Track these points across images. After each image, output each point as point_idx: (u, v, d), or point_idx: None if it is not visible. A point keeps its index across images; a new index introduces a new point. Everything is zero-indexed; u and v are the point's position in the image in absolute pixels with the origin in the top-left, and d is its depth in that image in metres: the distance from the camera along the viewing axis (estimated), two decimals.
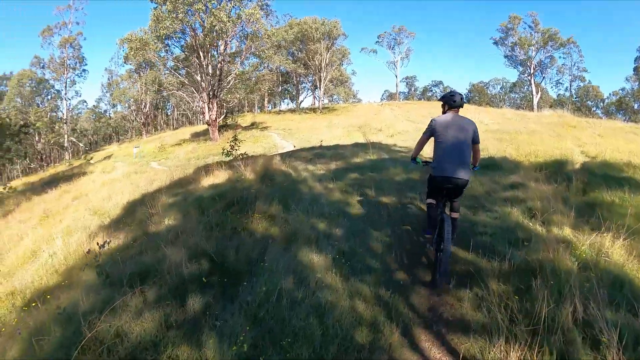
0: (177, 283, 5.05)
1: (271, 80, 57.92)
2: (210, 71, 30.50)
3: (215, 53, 30.94)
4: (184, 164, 23.50)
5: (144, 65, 36.42)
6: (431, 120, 5.32)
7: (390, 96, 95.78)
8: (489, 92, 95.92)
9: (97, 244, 5.51)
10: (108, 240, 5.93)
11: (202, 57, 29.83)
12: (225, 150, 15.12)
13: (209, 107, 30.63)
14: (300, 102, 57.05)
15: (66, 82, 52.51)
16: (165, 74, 34.52)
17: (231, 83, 32.14)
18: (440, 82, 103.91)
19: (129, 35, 29.31)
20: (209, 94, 30.45)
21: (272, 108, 74.31)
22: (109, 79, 64.70)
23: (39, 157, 55.48)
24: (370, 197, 8.52)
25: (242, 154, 14.70)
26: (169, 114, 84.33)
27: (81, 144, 66.73)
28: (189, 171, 15.37)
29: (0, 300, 7.52)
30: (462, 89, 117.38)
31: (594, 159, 12.42)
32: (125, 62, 37.64)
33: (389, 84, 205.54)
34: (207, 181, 11.05)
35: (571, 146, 14.64)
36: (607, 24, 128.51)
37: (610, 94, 77.95)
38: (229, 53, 31.80)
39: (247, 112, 68.64)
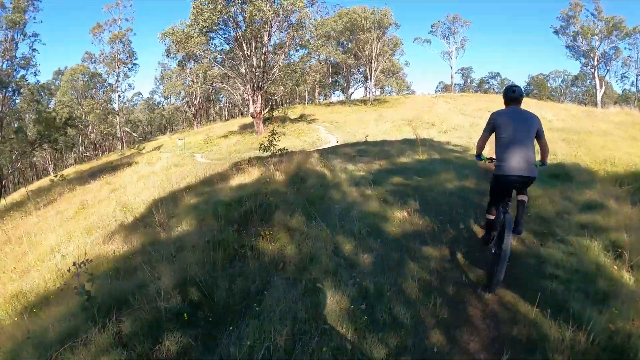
0: (154, 317, 4.07)
1: (319, 71, 57.15)
2: (254, 63, 29.61)
3: (260, 44, 30.00)
4: (225, 157, 22.98)
5: (188, 58, 35.78)
6: (491, 115, 4.97)
7: (445, 88, 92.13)
8: (549, 85, 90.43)
9: (74, 263, 4.58)
10: (89, 259, 4.98)
11: (245, 49, 29.08)
12: (262, 145, 14.15)
13: (253, 100, 29.91)
14: (351, 94, 55.37)
15: (117, 76, 53.77)
16: (210, 66, 33.84)
17: (276, 75, 31.12)
18: (498, 74, 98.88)
19: (170, 29, 28.77)
20: (253, 86, 29.68)
21: (323, 100, 73.31)
22: (161, 72, 66.06)
23: (92, 146, 57.17)
24: (413, 210, 7.00)
25: (280, 150, 13.87)
26: (221, 105, 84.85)
27: (135, 134, 68.48)
28: (224, 167, 14.50)
29: (4, 301, 7.22)
30: (520, 81, 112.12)
31: None
32: (167, 56, 37.59)
33: (444, 76, 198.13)
34: (236, 180, 10.17)
35: None
36: None
37: None
38: (273, 44, 31.07)
39: (298, 104, 68.15)
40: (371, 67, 46.22)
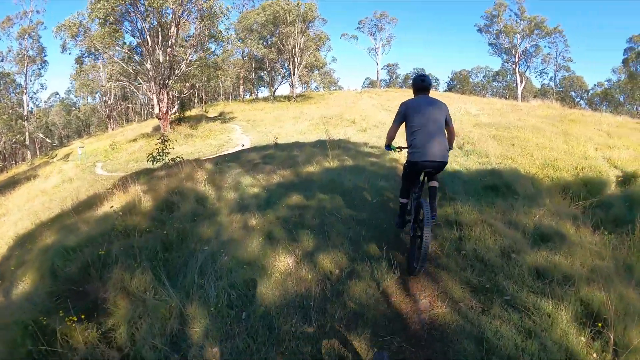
0: None
1: (242, 67, 54.65)
2: (160, 58, 26.41)
3: (168, 38, 26.75)
4: (123, 167, 20.24)
5: (88, 54, 31.40)
6: (401, 104, 5.03)
7: (372, 84, 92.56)
8: (471, 80, 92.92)
9: None
10: None
11: (150, 42, 25.87)
12: (150, 156, 11.96)
13: (158, 99, 26.61)
14: (275, 90, 53.04)
15: (26, 75, 48.13)
16: (111, 62, 30.04)
17: (183, 71, 27.98)
18: (422, 70, 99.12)
19: (67, 22, 24.98)
20: (159, 83, 26.39)
21: (248, 96, 70.68)
22: (76, 69, 60.08)
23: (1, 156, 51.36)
24: (302, 254, 5.15)
25: (172, 159, 11.71)
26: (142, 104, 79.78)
27: (48, 140, 62.32)
28: (107, 184, 12.13)
29: None
30: (444, 76, 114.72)
31: (631, 175, 9.44)
32: (63, 51, 33.62)
33: (371, 72, 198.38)
34: (104, 207, 8.03)
35: (589, 151, 11.79)
36: (593, 14, 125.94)
37: (595, 85, 75.50)
38: (182, 37, 27.93)
39: (223, 100, 65.02)
40: (294, 62, 44.22)
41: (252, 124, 29.23)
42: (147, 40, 25.54)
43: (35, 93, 53.30)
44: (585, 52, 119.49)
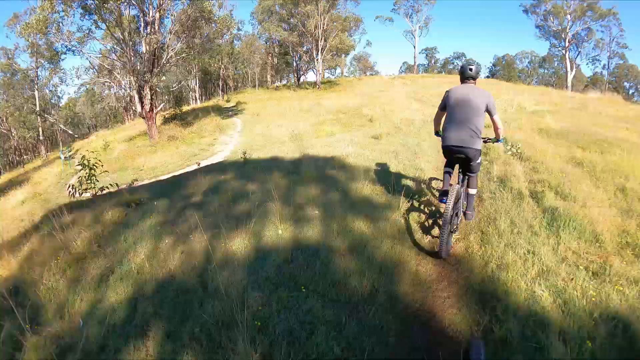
0: None
1: (263, 52, 49.75)
2: (144, 48, 21.02)
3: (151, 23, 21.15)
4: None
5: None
6: (446, 92, 5.09)
7: (409, 69, 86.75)
8: (516, 66, 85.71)
9: None
10: None
11: (124, 30, 20.50)
12: (71, 187, 10.02)
13: (140, 95, 21.13)
14: (299, 77, 47.59)
15: (36, 70, 44.08)
16: (91, 55, 23.92)
17: (170, 59, 22.41)
18: (463, 54, 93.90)
19: (34, 19, 18.85)
20: (141, 77, 20.93)
21: (279, 82, 65.75)
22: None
23: (16, 152, 49.04)
24: None
25: (101, 188, 9.34)
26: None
27: (70, 132, 59.04)
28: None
29: None
30: (486, 61, 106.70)
31: None
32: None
33: (408, 56, 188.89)
34: None
35: None
36: None
37: None
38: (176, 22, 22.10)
39: (250, 87, 60.29)
40: (317, 45, 38.61)
41: (257, 118, 24.28)
42: (122, 26, 20.39)
43: (56, 86, 50.96)
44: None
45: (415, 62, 71.80)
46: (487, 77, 79.56)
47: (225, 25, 23.86)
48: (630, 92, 66.37)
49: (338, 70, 71.12)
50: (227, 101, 40.35)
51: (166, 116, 27.55)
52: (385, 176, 7.74)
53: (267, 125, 20.00)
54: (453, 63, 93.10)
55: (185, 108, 37.09)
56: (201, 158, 14.87)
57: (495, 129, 5.10)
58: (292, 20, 39.42)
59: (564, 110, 18.22)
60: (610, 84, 64.33)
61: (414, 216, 5.93)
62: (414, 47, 67.58)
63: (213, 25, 23.04)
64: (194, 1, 21.16)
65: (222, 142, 18.26)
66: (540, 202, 6.33)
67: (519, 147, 9.10)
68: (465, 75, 4.95)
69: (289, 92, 38.58)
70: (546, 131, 12.37)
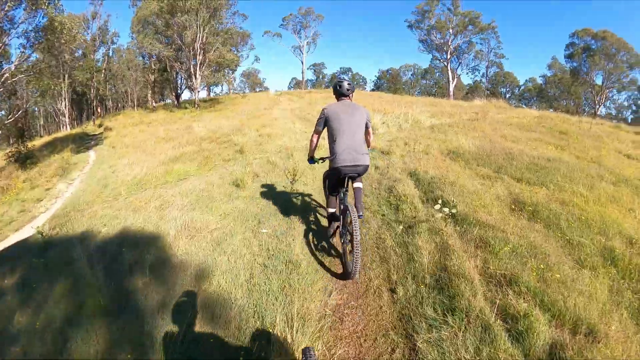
0: None
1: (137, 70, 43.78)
2: None
3: None
4: None
5: None
6: (322, 109, 4.78)
7: (298, 84, 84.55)
8: (399, 78, 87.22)
9: None
10: None
11: None
12: None
13: None
14: (179, 95, 42.17)
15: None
16: None
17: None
18: (349, 69, 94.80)
19: None
20: None
21: (164, 102, 59.02)
22: None
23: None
24: None
25: None
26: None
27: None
28: None
29: None
30: (371, 75, 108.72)
31: None
32: None
33: (297, 72, 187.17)
34: None
35: None
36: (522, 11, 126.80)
37: (527, 81, 73.13)
38: None
39: (130, 109, 52.89)
40: (196, 60, 33.30)
41: (112, 152, 18.69)
42: None
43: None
44: (515, 47, 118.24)
45: (303, 78, 69.49)
46: (373, 90, 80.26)
47: (70, 37, 18.80)
48: (507, 96, 70.41)
49: (226, 87, 66.56)
50: (99, 126, 34.19)
51: (10, 154, 19.71)
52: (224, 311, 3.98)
53: (117, 162, 14.62)
54: (340, 78, 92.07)
55: (46, 139, 30.73)
56: (11, 229, 9.75)
57: (368, 139, 4.98)
58: (168, 32, 33.66)
59: (462, 122, 15.85)
60: (488, 90, 68.00)
61: None
62: (302, 62, 65.80)
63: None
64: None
65: (56, 194, 12.62)
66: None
67: (453, 205, 5.65)
68: (342, 92, 4.80)
69: (164, 113, 32.70)
70: (461, 155, 9.53)
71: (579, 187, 7.15)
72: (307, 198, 7.12)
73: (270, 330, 3.57)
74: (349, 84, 4.84)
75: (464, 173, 7.95)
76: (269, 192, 7.48)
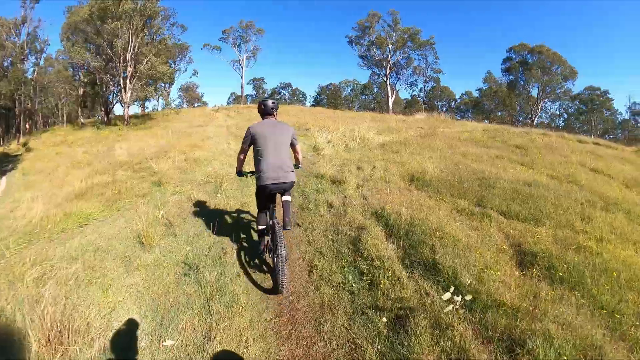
0: None
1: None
2: None
3: None
4: None
5: None
6: (248, 128, 4.79)
7: (237, 99, 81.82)
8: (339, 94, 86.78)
9: None
10: None
11: None
12: None
13: None
14: (109, 110, 37.68)
15: None
16: None
17: None
18: (289, 85, 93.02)
19: None
20: None
21: (94, 117, 54.28)
22: None
23: None
24: None
25: None
26: None
27: None
28: None
29: None
30: (311, 90, 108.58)
31: None
32: None
33: (237, 86, 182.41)
34: None
35: None
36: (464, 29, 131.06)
37: (463, 94, 74.82)
38: None
39: (59, 125, 48.02)
40: (127, 71, 30.07)
41: (21, 180, 15.06)
42: None
43: None
44: (450, 62, 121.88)
45: (242, 93, 67.39)
46: (313, 105, 79.25)
47: None
48: (444, 109, 71.61)
49: (162, 102, 62.73)
50: (24, 145, 30.19)
51: None
52: None
53: (22, 195, 11.17)
54: (280, 93, 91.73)
55: None
56: None
57: (297, 156, 5.18)
58: (98, 40, 29.87)
59: (413, 139, 14.44)
60: (425, 104, 68.77)
61: None
62: (242, 77, 63.60)
63: None
64: None
65: None
66: None
67: (468, 289, 3.77)
68: (267, 111, 4.84)
69: (91, 131, 29.12)
70: (428, 183, 7.85)
71: (576, 220, 5.95)
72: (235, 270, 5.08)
73: None
74: (273, 102, 4.89)
75: (440, 209, 6.21)
76: (183, 253, 5.37)
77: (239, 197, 7.78)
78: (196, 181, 8.91)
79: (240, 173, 5.17)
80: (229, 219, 6.56)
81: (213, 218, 6.28)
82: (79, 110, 51.89)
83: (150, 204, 7.35)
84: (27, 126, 44.59)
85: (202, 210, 6.92)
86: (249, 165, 5.23)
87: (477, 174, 8.57)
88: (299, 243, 5.67)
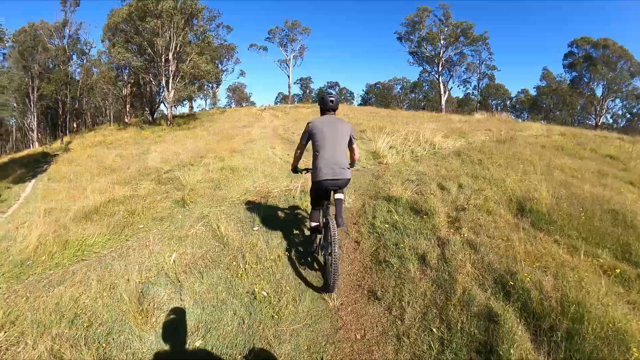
0: None
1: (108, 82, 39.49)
2: None
3: None
4: None
5: None
6: (307, 124, 4.66)
7: (284, 99, 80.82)
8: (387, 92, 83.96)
9: None
10: None
11: None
12: None
13: None
14: (153, 110, 37.33)
15: None
16: None
17: None
18: (337, 84, 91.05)
19: None
20: None
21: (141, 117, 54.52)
22: None
23: None
24: None
25: None
26: None
27: None
28: None
29: None
30: (358, 89, 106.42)
31: None
32: None
33: (284, 86, 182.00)
34: None
35: None
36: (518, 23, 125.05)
37: (519, 92, 69.71)
38: None
39: (107, 125, 48.33)
40: (169, 71, 29.28)
41: (45, 186, 13.41)
42: None
43: None
44: (505, 59, 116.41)
45: (290, 92, 65.98)
46: (360, 104, 76.91)
47: None
48: (498, 108, 66.53)
49: (209, 102, 62.55)
50: (67, 144, 29.61)
51: None
52: None
53: (37, 207, 9.91)
54: (327, 93, 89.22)
55: (2, 159, 26.93)
56: None
57: (353, 156, 4.95)
58: (137, 39, 29.10)
59: (492, 145, 12.12)
60: (479, 102, 64.85)
61: None
62: (289, 76, 62.11)
63: None
64: None
65: None
66: None
67: None
68: (327, 107, 4.71)
69: (134, 131, 28.22)
70: (547, 216, 5.59)
71: None
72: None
73: None
74: (332, 100, 4.69)
75: (584, 270, 4.02)
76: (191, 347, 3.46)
77: (287, 232, 5.84)
78: (230, 200, 7.05)
79: (295, 170, 5.11)
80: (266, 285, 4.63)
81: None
82: (125, 109, 52.15)
83: (165, 236, 5.54)
84: (75, 125, 45.19)
85: (231, 254, 5.03)
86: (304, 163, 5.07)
87: (599, 201, 6.20)
88: (381, 336, 3.68)
